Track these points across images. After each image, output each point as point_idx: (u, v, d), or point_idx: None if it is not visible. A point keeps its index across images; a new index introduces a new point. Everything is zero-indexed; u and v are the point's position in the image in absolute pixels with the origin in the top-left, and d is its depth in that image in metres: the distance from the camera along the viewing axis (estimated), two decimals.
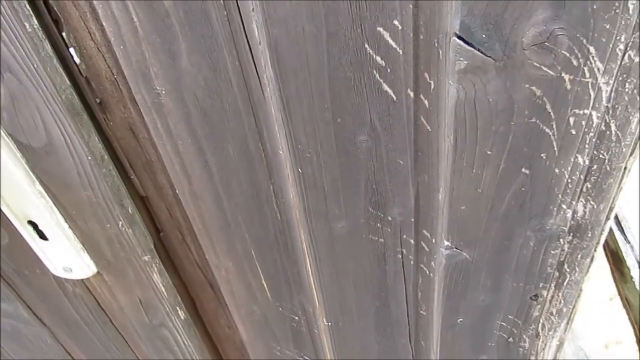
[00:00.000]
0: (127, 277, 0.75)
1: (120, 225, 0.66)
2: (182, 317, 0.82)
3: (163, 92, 0.52)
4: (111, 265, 0.73)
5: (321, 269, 0.67)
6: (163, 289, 0.76)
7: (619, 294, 1.70)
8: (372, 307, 0.73)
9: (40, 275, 0.78)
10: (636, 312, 1.59)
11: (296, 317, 0.77)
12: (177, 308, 0.80)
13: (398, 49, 0.44)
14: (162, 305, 0.79)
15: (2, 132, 0.56)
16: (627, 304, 1.64)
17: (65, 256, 0.71)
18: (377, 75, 0.46)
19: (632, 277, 1.60)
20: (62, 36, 0.52)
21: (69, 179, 0.61)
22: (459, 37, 0.42)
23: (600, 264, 1.92)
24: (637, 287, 1.56)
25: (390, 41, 0.44)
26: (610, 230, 1.76)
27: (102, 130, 0.61)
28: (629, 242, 1.66)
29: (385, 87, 0.47)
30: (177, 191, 0.64)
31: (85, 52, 0.53)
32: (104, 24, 0.47)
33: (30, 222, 0.65)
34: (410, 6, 0.41)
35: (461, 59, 0.43)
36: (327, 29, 0.43)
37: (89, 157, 0.59)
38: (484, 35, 0.42)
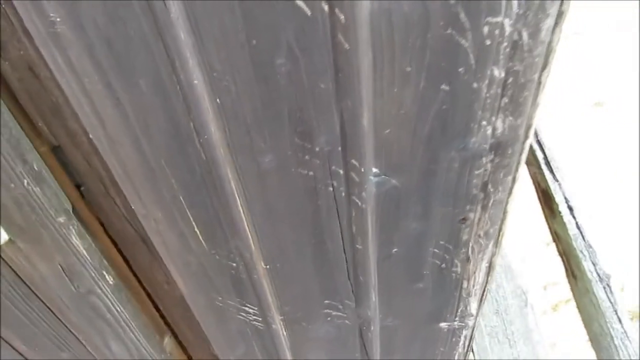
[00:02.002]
0: (43, 242, 0.70)
1: (25, 184, 0.61)
2: (111, 282, 0.78)
3: (58, 19, 0.47)
4: (24, 230, 0.68)
5: (253, 208, 0.65)
6: (85, 253, 0.71)
7: (549, 228, 1.81)
8: (309, 245, 0.72)
9: None
10: (564, 244, 1.71)
11: (234, 264, 0.76)
12: (104, 272, 0.76)
13: None
14: (86, 271, 0.75)
15: None
16: (556, 237, 1.75)
17: None
18: None
19: (560, 212, 1.70)
20: None
21: None
22: None
23: (535, 210, 2.03)
24: (565, 220, 1.67)
25: None
26: (542, 171, 1.86)
27: None
28: (557, 180, 1.76)
29: (299, 2, 0.45)
30: (91, 137, 0.60)
31: None
32: None
33: None
34: None
35: None
36: None
37: None
38: None
